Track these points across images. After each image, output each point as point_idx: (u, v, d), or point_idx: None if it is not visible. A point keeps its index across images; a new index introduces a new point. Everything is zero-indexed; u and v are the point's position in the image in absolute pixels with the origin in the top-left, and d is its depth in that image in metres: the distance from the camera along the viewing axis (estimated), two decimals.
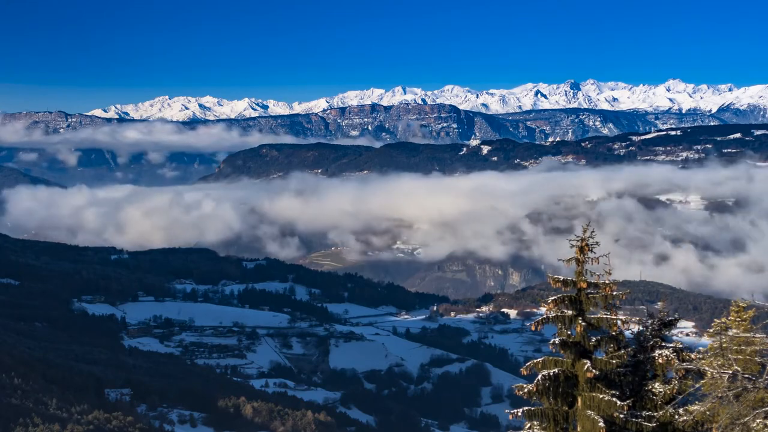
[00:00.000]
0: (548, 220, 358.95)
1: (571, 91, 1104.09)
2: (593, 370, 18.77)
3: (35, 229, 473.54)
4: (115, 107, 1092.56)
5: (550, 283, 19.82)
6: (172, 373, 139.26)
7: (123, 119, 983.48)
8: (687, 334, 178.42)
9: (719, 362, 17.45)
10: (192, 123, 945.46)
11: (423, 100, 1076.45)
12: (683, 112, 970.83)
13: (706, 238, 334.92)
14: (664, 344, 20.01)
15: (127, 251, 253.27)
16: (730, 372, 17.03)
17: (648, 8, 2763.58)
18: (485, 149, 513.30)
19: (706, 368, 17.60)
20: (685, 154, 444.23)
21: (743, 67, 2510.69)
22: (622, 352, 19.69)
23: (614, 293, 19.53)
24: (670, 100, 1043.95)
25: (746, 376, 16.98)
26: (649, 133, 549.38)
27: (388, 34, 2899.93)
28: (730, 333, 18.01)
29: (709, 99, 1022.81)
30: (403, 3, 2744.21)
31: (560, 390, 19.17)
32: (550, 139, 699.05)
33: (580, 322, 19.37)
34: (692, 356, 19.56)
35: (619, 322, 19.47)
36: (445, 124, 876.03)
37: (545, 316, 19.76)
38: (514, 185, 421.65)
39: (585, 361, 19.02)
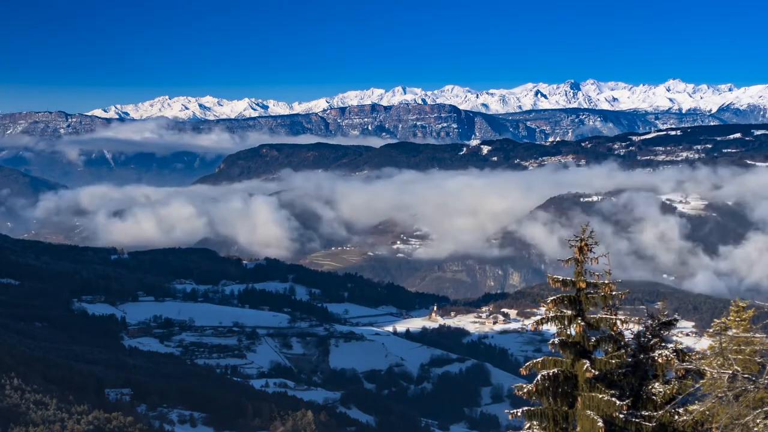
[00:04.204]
0: (548, 220, 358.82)
1: (571, 91, 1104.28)
2: (592, 370, 18.77)
3: (36, 228, 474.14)
4: (115, 107, 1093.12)
5: (550, 283, 19.81)
6: (172, 373, 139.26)
7: (123, 119, 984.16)
8: (687, 334, 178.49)
9: (719, 362, 17.43)
10: (192, 123, 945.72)
11: (423, 100, 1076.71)
12: (683, 112, 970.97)
13: (705, 239, 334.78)
14: (664, 344, 20.00)
15: (127, 251, 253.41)
16: (730, 372, 17.02)
17: (648, 8, 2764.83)
18: (485, 149, 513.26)
19: (706, 368, 17.59)
20: (685, 154, 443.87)
21: (743, 67, 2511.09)
22: (622, 352, 19.69)
23: (613, 293, 19.53)
24: (670, 100, 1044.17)
25: (746, 376, 16.97)
26: (649, 133, 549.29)
27: (388, 34, 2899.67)
28: (729, 333, 18.00)
29: (709, 99, 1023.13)
30: (403, 3, 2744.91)
31: (560, 390, 19.17)
32: (550, 139, 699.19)
33: (579, 322, 19.36)
34: (692, 356, 19.56)
35: (618, 322, 19.47)
36: (445, 124, 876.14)
37: (545, 316, 19.75)
38: (514, 185, 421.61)
39: (584, 361, 19.01)
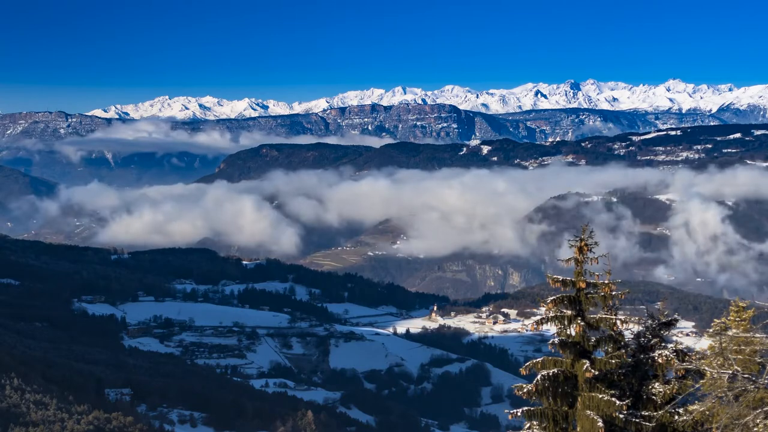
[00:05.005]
0: (548, 220, 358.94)
1: (571, 91, 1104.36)
2: (592, 370, 18.76)
3: (36, 228, 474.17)
4: (115, 107, 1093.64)
5: (550, 283, 19.79)
6: (172, 373, 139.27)
7: (123, 119, 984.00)
8: (687, 334, 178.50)
9: (719, 362, 17.42)
10: (192, 123, 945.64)
11: (423, 100, 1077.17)
12: (683, 112, 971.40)
13: (705, 238, 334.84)
14: (664, 344, 19.99)
15: (127, 251, 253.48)
16: (730, 372, 17.01)
17: (648, 8, 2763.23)
18: (485, 149, 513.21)
19: (706, 368, 17.58)
20: (685, 154, 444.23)
21: (743, 67, 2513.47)
22: (622, 352, 19.67)
23: (613, 293, 19.50)
24: (670, 100, 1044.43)
25: (746, 376, 16.95)
26: (649, 133, 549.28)
27: (388, 34, 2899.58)
28: (729, 333, 18.00)
29: (709, 99, 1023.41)
30: (402, 3, 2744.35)
31: (560, 390, 19.15)
32: (550, 139, 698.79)
33: (579, 321, 19.34)
34: (692, 356, 19.54)
35: (618, 322, 19.45)
36: (445, 124, 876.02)
37: (545, 316, 19.73)
38: (514, 185, 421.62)
39: (584, 361, 18.99)
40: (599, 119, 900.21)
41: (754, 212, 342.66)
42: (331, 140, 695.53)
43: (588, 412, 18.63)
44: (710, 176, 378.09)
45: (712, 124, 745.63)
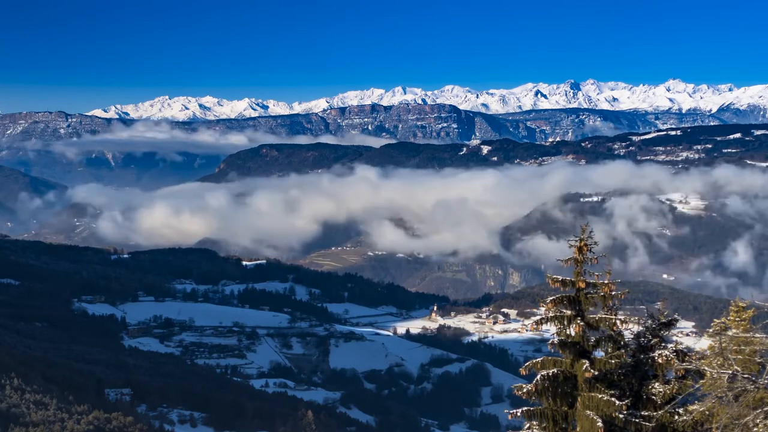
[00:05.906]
0: (548, 220, 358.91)
1: (571, 91, 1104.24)
2: (592, 370, 18.75)
3: (36, 228, 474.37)
4: (115, 107, 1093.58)
5: (549, 283, 19.78)
6: (172, 373, 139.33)
7: (123, 119, 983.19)
8: (687, 334, 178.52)
9: (719, 362, 17.42)
10: (192, 123, 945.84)
11: (423, 100, 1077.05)
12: (683, 112, 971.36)
13: (706, 239, 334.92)
14: (664, 344, 19.98)
15: (127, 251, 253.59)
16: (730, 372, 17.00)
17: (648, 8, 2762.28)
18: (485, 149, 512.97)
19: (706, 368, 17.57)
20: (685, 154, 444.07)
21: (743, 67, 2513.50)
22: (622, 352, 19.67)
23: (613, 293, 19.50)
24: (670, 100, 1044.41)
25: (746, 376, 16.95)
26: (649, 133, 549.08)
27: (388, 34, 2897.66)
28: (729, 333, 17.99)
29: (709, 99, 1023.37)
30: (402, 3, 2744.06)
31: (559, 390, 19.14)
32: (550, 139, 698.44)
33: (578, 322, 19.33)
34: (692, 356, 19.53)
35: (618, 322, 19.45)
36: (445, 124, 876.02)
37: (544, 316, 19.73)
38: (514, 185, 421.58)
39: (584, 361, 18.99)
40: (599, 119, 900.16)
41: (753, 211, 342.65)
42: (331, 140, 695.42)
43: (588, 412, 18.62)
44: (710, 176, 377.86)
45: (712, 124, 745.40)
